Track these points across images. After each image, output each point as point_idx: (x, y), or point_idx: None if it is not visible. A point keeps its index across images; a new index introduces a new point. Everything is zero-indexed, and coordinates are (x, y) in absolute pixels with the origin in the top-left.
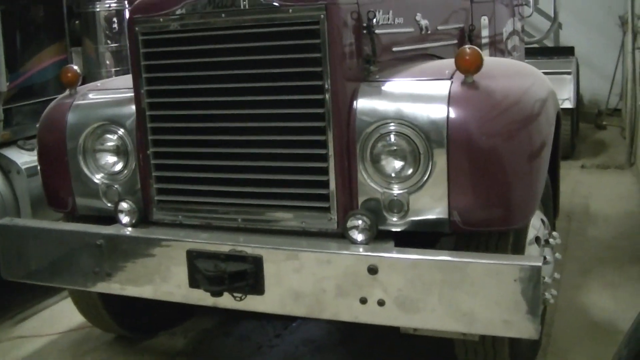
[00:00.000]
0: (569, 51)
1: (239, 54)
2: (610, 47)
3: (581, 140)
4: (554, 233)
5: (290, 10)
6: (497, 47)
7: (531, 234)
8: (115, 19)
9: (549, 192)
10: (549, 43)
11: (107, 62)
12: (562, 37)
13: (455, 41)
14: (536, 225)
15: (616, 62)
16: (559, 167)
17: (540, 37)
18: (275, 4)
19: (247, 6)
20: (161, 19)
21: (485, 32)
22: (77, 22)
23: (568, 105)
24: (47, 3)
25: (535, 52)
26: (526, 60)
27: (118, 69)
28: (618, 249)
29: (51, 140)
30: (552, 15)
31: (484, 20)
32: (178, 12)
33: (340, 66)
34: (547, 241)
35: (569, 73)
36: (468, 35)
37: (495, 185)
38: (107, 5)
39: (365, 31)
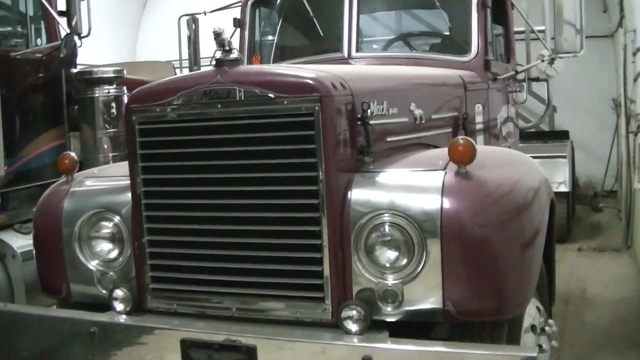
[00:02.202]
0: (563, 135)
1: (234, 145)
2: (605, 130)
3: (577, 222)
4: (550, 321)
5: (285, 102)
6: (492, 133)
7: (527, 322)
8: (113, 105)
9: (544, 279)
10: (544, 127)
11: (105, 147)
12: (557, 121)
13: (450, 129)
14: (532, 313)
15: (611, 145)
16: (554, 254)
17: (535, 122)
18: (270, 95)
19: (242, 97)
20: (158, 109)
21: (479, 120)
22: (75, 107)
23: (563, 188)
24: (46, 89)
25: (530, 136)
26: (521, 145)
27: (115, 154)
28: (615, 334)
29: (47, 227)
30: (546, 98)
31: (478, 107)
32: (174, 102)
33: (334, 157)
34: (542, 329)
35: (564, 157)
36: (462, 123)
37: (489, 275)
38: (106, 91)
39: (359, 122)
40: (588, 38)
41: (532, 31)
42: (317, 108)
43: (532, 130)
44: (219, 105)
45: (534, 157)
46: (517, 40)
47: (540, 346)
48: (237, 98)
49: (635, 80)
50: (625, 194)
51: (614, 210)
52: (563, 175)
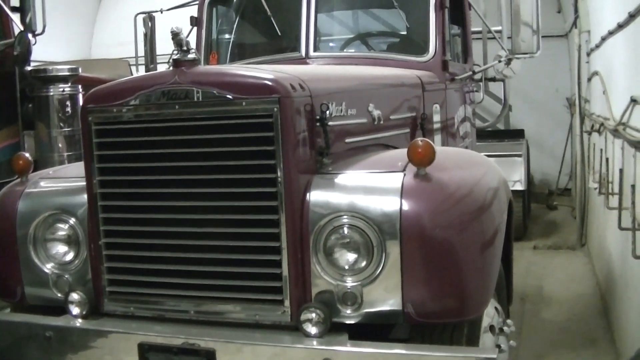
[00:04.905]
0: (519, 134)
1: (192, 146)
2: (559, 129)
3: (533, 220)
4: (508, 321)
5: (244, 103)
6: (449, 133)
7: (485, 322)
8: (68, 103)
9: (502, 279)
10: (500, 126)
11: (60, 146)
12: (513, 119)
13: (408, 130)
14: (490, 313)
15: (565, 143)
16: (512, 253)
17: (492, 122)
18: (228, 96)
19: (200, 98)
20: (114, 109)
21: (437, 120)
22: (30, 105)
23: (519, 187)
24: None
25: (487, 135)
26: (478, 143)
27: (70, 153)
28: (572, 332)
29: (1, 229)
30: (502, 97)
31: (436, 107)
32: (132, 102)
33: (293, 159)
34: (501, 329)
35: (519, 155)
36: (420, 123)
37: (449, 277)
38: (61, 90)
39: (318, 123)
40: (543, 38)
41: (489, 31)
42: (276, 109)
43: (489, 129)
44: (177, 106)
45: (490, 156)
46: (474, 39)
47: (499, 346)
48: (195, 99)
49: (589, 80)
50: (580, 192)
51: (569, 208)
52: (519, 174)
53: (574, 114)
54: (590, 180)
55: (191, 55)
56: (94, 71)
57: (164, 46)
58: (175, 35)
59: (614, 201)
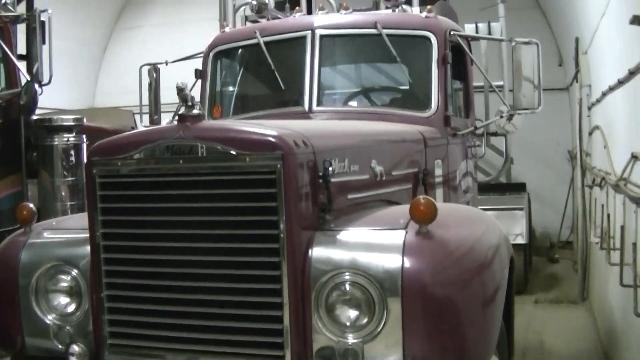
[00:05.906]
0: (520, 187)
1: (196, 201)
2: (560, 181)
3: (534, 274)
4: None
5: (247, 159)
6: (451, 187)
7: None
8: (72, 152)
9: (503, 335)
10: (502, 179)
11: (63, 194)
12: (514, 172)
13: (410, 185)
14: None
15: (567, 196)
16: (513, 309)
17: (493, 176)
18: (232, 152)
19: (204, 153)
20: (119, 163)
21: (439, 174)
22: (34, 154)
23: (520, 240)
24: (4, 135)
25: (488, 189)
26: (480, 197)
27: (74, 202)
28: None
29: (3, 278)
30: (504, 151)
31: (438, 163)
32: (136, 156)
33: (295, 215)
34: None
35: (520, 209)
36: (422, 179)
37: (450, 334)
38: (65, 139)
39: (321, 180)
40: (544, 91)
41: (491, 86)
42: (279, 166)
43: (490, 182)
44: (181, 161)
45: (491, 210)
46: (475, 92)
47: None
48: (199, 154)
49: (590, 134)
50: (582, 246)
51: (570, 261)
52: (520, 228)
53: (575, 167)
54: (591, 235)
55: (196, 111)
56: (99, 120)
57: (168, 95)
58: (181, 91)
59: (615, 257)
